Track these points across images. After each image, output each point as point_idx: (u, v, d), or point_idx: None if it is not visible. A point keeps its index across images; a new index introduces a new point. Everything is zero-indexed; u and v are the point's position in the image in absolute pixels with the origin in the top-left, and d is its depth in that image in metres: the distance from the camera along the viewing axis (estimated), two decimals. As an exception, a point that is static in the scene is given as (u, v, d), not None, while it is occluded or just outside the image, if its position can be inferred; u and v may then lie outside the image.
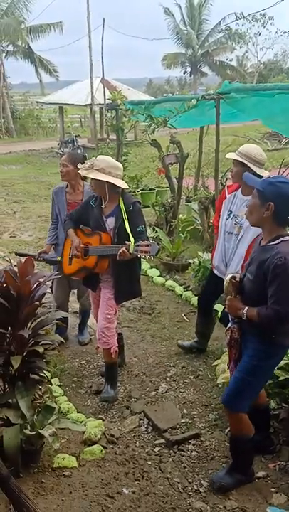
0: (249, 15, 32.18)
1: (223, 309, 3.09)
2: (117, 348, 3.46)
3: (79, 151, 12.59)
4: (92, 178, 3.17)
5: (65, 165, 3.80)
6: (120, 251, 3.01)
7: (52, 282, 4.04)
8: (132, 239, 3.02)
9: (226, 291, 2.53)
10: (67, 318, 4.15)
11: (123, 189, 3.22)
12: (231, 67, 36.87)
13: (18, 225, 8.21)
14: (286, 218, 2.33)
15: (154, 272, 5.86)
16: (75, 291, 4.30)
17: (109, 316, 3.33)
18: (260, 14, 33.83)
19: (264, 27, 36.42)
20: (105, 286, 3.37)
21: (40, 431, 2.52)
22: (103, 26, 14.87)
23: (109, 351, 3.36)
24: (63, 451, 2.81)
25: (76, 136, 17.66)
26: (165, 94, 33.88)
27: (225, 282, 2.52)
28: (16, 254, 4.37)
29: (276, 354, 2.47)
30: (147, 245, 2.93)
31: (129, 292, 3.43)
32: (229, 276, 2.52)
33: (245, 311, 2.39)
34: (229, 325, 2.58)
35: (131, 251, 2.96)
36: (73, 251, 3.37)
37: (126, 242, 3.02)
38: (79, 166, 3.26)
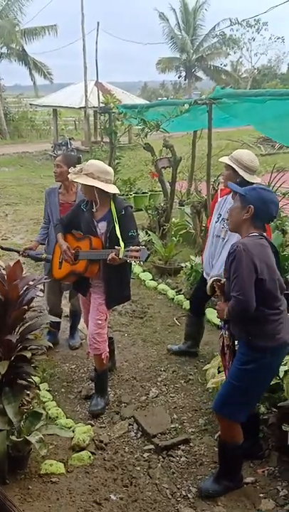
0: (243, 20, 32.52)
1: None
2: (108, 354, 3.44)
3: (73, 154, 12.55)
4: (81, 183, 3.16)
5: (60, 165, 3.80)
6: (110, 256, 2.99)
7: (44, 285, 4.02)
8: (122, 244, 3.01)
9: (208, 292, 2.57)
10: (59, 322, 4.13)
11: (114, 193, 3.21)
12: (225, 72, 37.11)
13: (9, 228, 8.17)
14: (263, 222, 2.45)
15: (146, 276, 5.85)
16: (67, 294, 4.29)
17: (100, 322, 3.30)
18: (255, 20, 34.20)
19: (258, 32, 36.80)
20: (96, 291, 3.34)
21: (27, 437, 2.49)
22: (97, 30, 14.90)
23: (100, 357, 3.34)
24: (51, 458, 2.78)
25: (70, 139, 17.67)
26: (160, 98, 33.97)
27: (208, 285, 2.54)
28: (1, 248, 4.34)
29: (257, 358, 2.39)
30: (137, 250, 2.92)
31: (119, 296, 3.41)
32: (212, 279, 2.53)
33: (225, 310, 2.41)
34: (221, 332, 2.58)
35: (121, 256, 2.94)
36: (63, 255, 3.35)
37: (116, 247, 3.00)
38: (69, 170, 3.24)
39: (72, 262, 3.32)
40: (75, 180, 3.14)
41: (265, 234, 2.44)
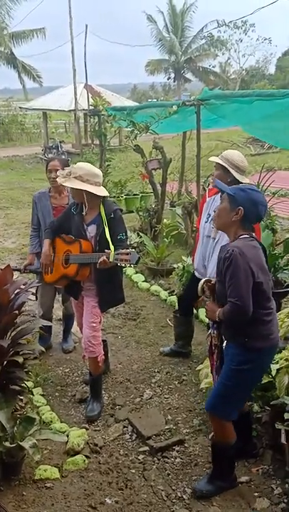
0: (230, 22, 32.73)
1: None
2: (103, 356, 3.44)
3: (63, 157, 12.51)
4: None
5: (58, 170, 3.78)
6: (100, 260, 2.99)
7: (37, 289, 4.00)
8: (112, 247, 3.00)
9: (199, 293, 2.56)
10: (50, 326, 4.11)
11: (104, 196, 3.20)
12: (214, 74, 37.33)
13: (1, 232, 8.12)
14: (252, 223, 2.44)
15: (138, 277, 5.85)
16: (59, 297, 4.27)
17: (94, 325, 3.30)
18: (242, 21, 34.45)
19: (245, 34, 37.11)
20: (88, 295, 3.33)
21: (21, 443, 2.48)
22: (86, 32, 14.91)
23: (96, 359, 3.33)
24: (45, 463, 2.77)
25: (60, 142, 17.62)
26: (150, 100, 34.04)
27: (199, 285, 2.54)
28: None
29: (253, 359, 2.42)
30: (127, 254, 2.91)
31: (112, 299, 3.40)
32: (204, 279, 2.53)
33: (218, 313, 2.41)
34: (209, 331, 2.58)
35: (111, 259, 2.94)
36: (43, 263, 3.39)
37: (106, 250, 3.00)
38: (58, 173, 3.23)
39: (63, 265, 3.31)
40: (64, 184, 3.12)
41: (254, 234, 2.45)
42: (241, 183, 3.24)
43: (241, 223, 2.39)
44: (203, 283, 2.52)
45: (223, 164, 3.23)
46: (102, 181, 3.17)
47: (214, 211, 2.51)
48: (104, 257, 2.96)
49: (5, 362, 2.55)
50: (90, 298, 3.31)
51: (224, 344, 2.56)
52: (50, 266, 3.40)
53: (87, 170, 3.10)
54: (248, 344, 2.38)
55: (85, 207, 3.19)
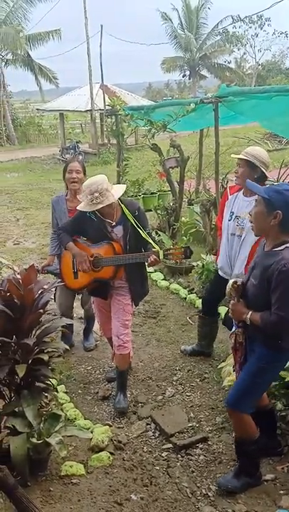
0: (246, 17, 32.40)
1: (227, 312, 3.09)
2: (132, 352, 3.49)
3: (80, 157, 12.60)
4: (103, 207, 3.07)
5: (79, 171, 3.84)
6: (151, 259, 3.07)
7: (55, 290, 4.04)
8: (155, 245, 3.09)
9: (228, 295, 2.53)
10: (72, 325, 4.16)
11: (120, 197, 3.19)
12: (230, 70, 36.97)
13: (21, 233, 8.24)
14: None
15: (158, 276, 5.86)
16: (79, 297, 4.31)
17: (127, 322, 3.35)
18: (257, 16, 34.05)
19: (261, 28, 36.64)
20: (119, 293, 3.35)
21: (47, 439, 2.52)
22: (101, 33, 14.99)
23: (127, 356, 3.39)
24: (71, 459, 2.81)
25: (77, 142, 17.77)
26: (165, 98, 33.97)
27: (227, 287, 2.52)
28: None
29: (282, 358, 2.47)
30: (181, 248, 3.11)
31: (142, 292, 3.47)
32: (231, 281, 2.51)
33: (248, 315, 2.39)
34: (233, 329, 2.58)
35: (161, 257, 3.01)
36: (82, 265, 3.24)
37: (152, 248, 3.08)
38: (80, 207, 3.15)
39: (93, 269, 3.27)
40: (103, 205, 3.01)
41: None
42: (267, 178, 3.23)
43: (281, 227, 2.29)
44: (231, 285, 2.50)
45: (251, 160, 3.19)
46: (107, 186, 3.07)
47: (250, 214, 2.44)
48: (154, 256, 3.05)
49: (31, 360, 2.60)
50: (121, 296, 3.34)
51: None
52: (87, 265, 3.26)
53: (100, 182, 3.01)
54: (282, 346, 2.38)
55: (114, 216, 3.20)
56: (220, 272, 3.61)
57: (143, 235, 3.13)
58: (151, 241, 3.13)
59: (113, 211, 3.18)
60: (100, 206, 3.00)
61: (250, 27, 36.39)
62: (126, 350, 3.35)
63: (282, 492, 2.59)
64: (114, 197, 3.04)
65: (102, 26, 15.10)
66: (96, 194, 2.98)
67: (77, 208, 3.17)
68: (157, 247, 3.06)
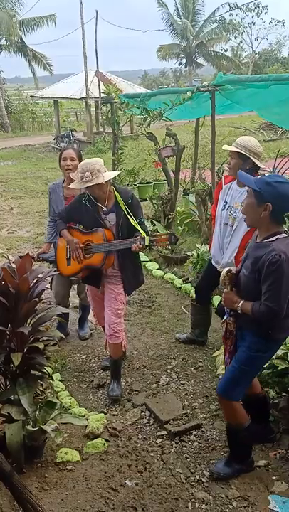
0: (243, 5, 32.08)
1: (220, 301, 3.12)
2: (125, 341, 3.49)
3: (75, 146, 12.51)
4: (92, 188, 3.12)
5: (74, 159, 3.81)
6: (135, 245, 3.06)
7: (51, 278, 4.04)
8: (142, 231, 3.08)
9: (221, 284, 2.55)
10: (67, 313, 4.16)
11: (115, 185, 3.22)
12: (226, 58, 36.68)
13: (15, 221, 8.20)
14: (283, 216, 2.36)
15: (153, 265, 5.87)
16: (75, 286, 4.31)
17: (119, 312, 3.36)
18: (254, 4, 33.70)
19: (258, 17, 36.33)
20: (111, 282, 3.36)
21: (43, 426, 2.54)
22: (96, 18, 14.77)
23: (120, 345, 3.40)
24: (66, 446, 2.84)
25: (72, 131, 17.61)
26: (160, 86, 33.66)
27: (221, 275, 2.53)
28: (20, 258, 4.36)
29: (272, 347, 2.51)
30: (165, 235, 3.06)
31: (136, 282, 3.47)
32: (226, 269, 2.53)
33: (240, 304, 2.42)
34: (225, 317, 2.60)
35: (147, 243, 3.01)
36: (74, 252, 3.30)
37: (139, 235, 3.07)
38: (71, 186, 3.24)
39: (84, 256, 3.31)
40: (91, 184, 3.06)
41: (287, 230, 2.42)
42: (258, 167, 3.23)
43: (271, 218, 2.30)
44: (225, 273, 2.51)
45: (242, 151, 3.18)
46: (100, 167, 3.10)
47: (242, 205, 2.44)
48: (139, 243, 3.03)
49: (26, 348, 2.60)
50: (113, 285, 3.35)
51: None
52: (79, 252, 3.31)
53: (91, 164, 3.07)
54: (271, 335, 2.41)
55: (105, 201, 3.21)
56: (212, 261, 3.63)
57: (131, 222, 3.13)
58: (139, 227, 3.13)
59: (105, 195, 3.18)
60: (89, 184, 3.06)
61: (247, 15, 36.08)
62: (117, 340, 3.36)
63: (274, 478, 2.64)
64: (104, 178, 3.05)
65: (97, 12, 14.90)
66: (87, 173, 3.04)
67: (70, 186, 3.24)
68: (144, 233, 3.07)
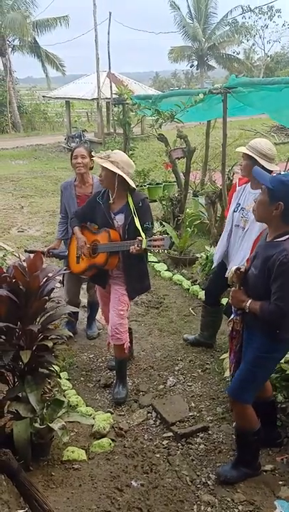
0: (256, 8, 31.95)
1: (228, 301, 3.11)
2: (129, 344, 3.48)
3: (86, 146, 12.56)
4: (103, 169, 3.16)
5: (84, 156, 3.84)
6: (133, 247, 3.03)
7: (63, 276, 4.08)
8: (143, 235, 3.05)
9: (230, 282, 2.55)
10: (77, 312, 4.18)
11: (132, 188, 3.22)
12: (238, 61, 36.57)
13: (25, 220, 8.25)
14: None
15: (161, 266, 5.87)
16: (84, 285, 4.33)
17: (122, 313, 3.35)
18: (267, 7, 33.58)
19: (271, 20, 36.17)
20: (116, 283, 3.37)
21: (50, 424, 2.55)
22: (109, 20, 14.82)
23: (122, 347, 3.39)
24: (72, 445, 2.84)
25: (83, 131, 17.65)
26: (172, 88, 33.72)
27: (230, 273, 2.53)
28: (25, 251, 4.42)
29: (280, 348, 2.48)
30: (161, 239, 2.98)
31: (140, 287, 3.45)
32: (234, 267, 2.52)
33: (248, 303, 2.41)
34: (232, 316, 2.59)
35: (144, 246, 2.99)
36: (80, 250, 3.40)
37: (138, 238, 3.04)
38: (93, 153, 3.28)
39: (91, 255, 3.35)
40: (102, 164, 3.10)
41: None
42: (270, 171, 3.21)
43: (282, 218, 2.29)
44: (234, 271, 2.51)
45: (251, 153, 3.19)
46: (121, 159, 3.14)
47: (254, 201, 2.44)
48: (136, 245, 3.01)
49: (35, 346, 2.62)
50: (118, 286, 3.35)
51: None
52: (85, 250, 3.38)
53: (124, 158, 3.14)
54: (279, 335, 2.39)
55: (112, 193, 3.20)
56: (214, 260, 3.64)
57: (136, 224, 3.13)
58: (141, 231, 3.11)
59: (113, 186, 3.16)
60: (101, 162, 3.10)
61: (260, 18, 35.95)
62: (119, 341, 3.35)
63: (281, 483, 2.62)
64: (114, 169, 3.07)
65: (110, 13, 14.93)
66: (111, 154, 3.11)
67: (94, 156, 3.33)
68: (143, 236, 3.05)
